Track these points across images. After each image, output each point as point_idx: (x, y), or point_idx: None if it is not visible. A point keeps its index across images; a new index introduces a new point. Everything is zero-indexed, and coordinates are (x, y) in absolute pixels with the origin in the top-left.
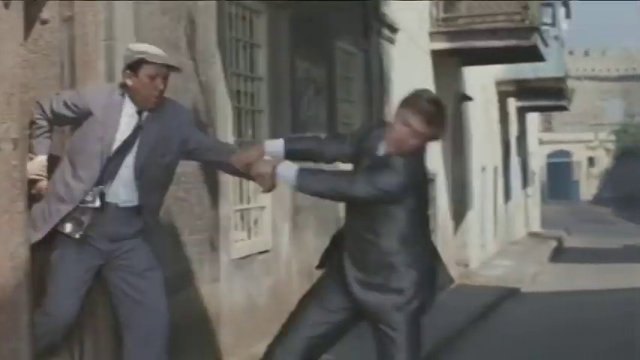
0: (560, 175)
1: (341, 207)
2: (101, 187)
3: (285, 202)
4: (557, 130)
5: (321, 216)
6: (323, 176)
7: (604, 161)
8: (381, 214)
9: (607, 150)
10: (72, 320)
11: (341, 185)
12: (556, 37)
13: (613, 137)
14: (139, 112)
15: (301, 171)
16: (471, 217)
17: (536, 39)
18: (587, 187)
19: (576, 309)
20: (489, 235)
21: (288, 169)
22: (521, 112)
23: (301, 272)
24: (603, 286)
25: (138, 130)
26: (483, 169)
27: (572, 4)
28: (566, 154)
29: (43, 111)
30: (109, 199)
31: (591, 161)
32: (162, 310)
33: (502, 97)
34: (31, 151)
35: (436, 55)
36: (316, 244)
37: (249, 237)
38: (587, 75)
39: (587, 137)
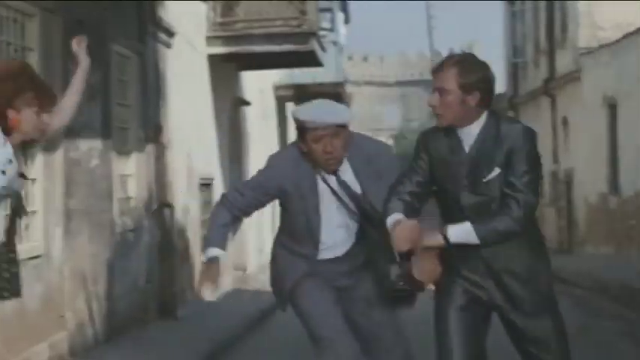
0: None
1: (115, 212)
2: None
3: (57, 206)
4: None
5: (94, 221)
6: (499, 218)
7: None
8: None
9: None
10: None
11: (518, 208)
12: (334, 43)
13: (391, 142)
14: (333, 173)
15: (475, 226)
16: (249, 222)
17: (313, 44)
18: None
19: None
20: (267, 239)
21: (460, 232)
22: None
23: (74, 277)
24: None
25: (339, 191)
26: None
27: (351, 9)
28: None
29: (230, 212)
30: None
31: None
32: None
33: (280, 102)
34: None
35: (213, 59)
36: (90, 249)
37: (19, 242)
38: (366, 80)
39: None
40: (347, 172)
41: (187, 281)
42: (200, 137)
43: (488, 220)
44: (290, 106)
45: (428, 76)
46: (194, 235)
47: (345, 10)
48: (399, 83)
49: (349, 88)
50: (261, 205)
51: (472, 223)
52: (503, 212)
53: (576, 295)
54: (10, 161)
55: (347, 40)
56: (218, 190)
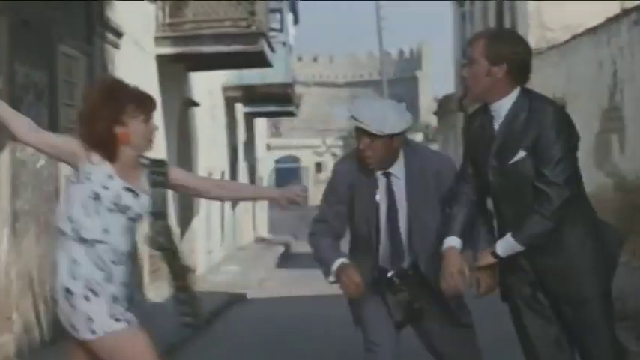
0: (288, 181)
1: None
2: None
3: (3, 207)
4: (286, 135)
5: (41, 222)
6: (533, 219)
7: (331, 167)
8: None
9: (334, 155)
10: (396, 348)
11: (550, 204)
12: (284, 43)
13: (340, 143)
14: (386, 174)
15: (515, 235)
16: (197, 222)
17: (262, 45)
18: (315, 193)
19: (303, 315)
20: (216, 240)
21: (506, 246)
22: (249, 117)
23: (21, 279)
24: (330, 291)
25: (390, 191)
26: (210, 174)
27: (300, 10)
28: (294, 159)
29: (326, 237)
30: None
31: (319, 167)
32: None
33: (229, 103)
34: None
35: (162, 60)
36: (37, 250)
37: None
38: (315, 81)
39: (314, 143)
40: (398, 182)
41: (135, 283)
42: None
43: (524, 225)
44: (239, 107)
45: (377, 77)
46: (142, 237)
47: (294, 10)
48: (349, 84)
49: (298, 89)
50: (344, 217)
51: (512, 233)
52: (535, 211)
53: None
54: (111, 177)
55: (296, 40)
56: (166, 191)
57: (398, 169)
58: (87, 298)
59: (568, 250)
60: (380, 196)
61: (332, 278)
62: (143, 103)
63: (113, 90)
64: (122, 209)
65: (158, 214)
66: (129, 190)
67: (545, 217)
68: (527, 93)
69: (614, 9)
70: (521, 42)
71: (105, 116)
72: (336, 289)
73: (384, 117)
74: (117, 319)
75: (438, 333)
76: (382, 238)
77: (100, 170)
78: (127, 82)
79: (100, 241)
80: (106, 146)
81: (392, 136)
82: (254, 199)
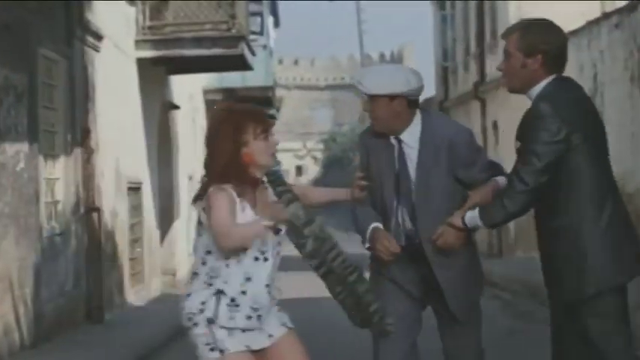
0: None
1: (42, 216)
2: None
3: None
4: None
5: (21, 225)
6: (496, 204)
7: (312, 170)
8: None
9: (315, 159)
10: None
11: (518, 188)
12: (264, 47)
13: (321, 146)
14: (398, 141)
15: (480, 213)
16: (178, 225)
17: (242, 48)
18: None
19: None
20: None
21: (472, 219)
22: None
23: (1, 281)
24: (311, 294)
25: (402, 158)
26: (190, 177)
27: (281, 13)
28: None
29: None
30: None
31: (299, 170)
32: None
33: (210, 106)
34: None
35: (142, 63)
36: (16, 253)
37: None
38: (296, 84)
39: (295, 146)
40: (412, 151)
41: (115, 285)
42: (129, 141)
43: (489, 206)
44: None
45: None
46: (122, 240)
47: (275, 13)
48: (330, 87)
49: (279, 92)
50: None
51: (479, 209)
52: (500, 197)
53: (505, 299)
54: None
55: (277, 43)
56: (146, 193)
57: (412, 137)
58: (188, 327)
59: (566, 236)
60: (394, 161)
61: (367, 244)
62: (260, 119)
63: (226, 113)
64: (267, 254)
65: (306, 224)
66: (276, 229)
67: (504, 205)
68: (556, 83)
69: (595, 12)
70: (554, 31)
71: (227, 140)
72: (317, 292)
73: (380, 77)
74: (211, 349)
75: (450, 338)
76: (396, 205)
77: (245, 218)
78: (240, 103)
79: (236, 296)
80: (235, 171)
81: (391, 97)
82: (332, 202)
